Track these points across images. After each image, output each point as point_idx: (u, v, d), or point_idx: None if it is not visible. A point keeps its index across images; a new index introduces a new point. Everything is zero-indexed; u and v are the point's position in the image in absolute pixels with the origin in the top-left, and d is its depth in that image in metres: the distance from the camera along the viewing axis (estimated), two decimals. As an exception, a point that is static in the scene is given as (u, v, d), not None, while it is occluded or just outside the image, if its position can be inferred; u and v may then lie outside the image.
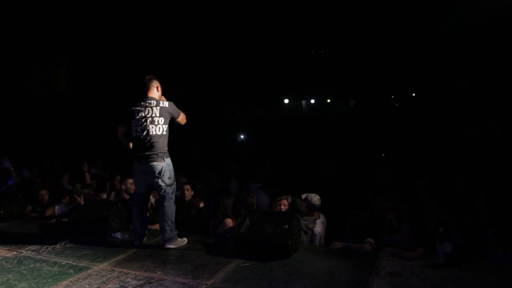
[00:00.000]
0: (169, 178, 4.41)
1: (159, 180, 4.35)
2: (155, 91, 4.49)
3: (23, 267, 4.02)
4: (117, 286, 3.54)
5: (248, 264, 3.92)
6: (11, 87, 15.00)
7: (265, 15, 16.99)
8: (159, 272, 3.79)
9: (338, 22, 17.45)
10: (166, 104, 4.45)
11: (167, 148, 4.45)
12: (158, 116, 4.36)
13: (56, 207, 6.36)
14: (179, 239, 4.55)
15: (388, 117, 19.66)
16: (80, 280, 3.67)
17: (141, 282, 3.58)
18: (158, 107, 4.38)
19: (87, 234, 4.93)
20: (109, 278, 3.71)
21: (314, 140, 14.32)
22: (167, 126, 4.44)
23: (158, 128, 4.35)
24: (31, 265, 4.07)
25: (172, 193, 4.48)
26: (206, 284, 3.52)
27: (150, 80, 4.49)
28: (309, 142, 13.98)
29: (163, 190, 4.41)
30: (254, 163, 9.50)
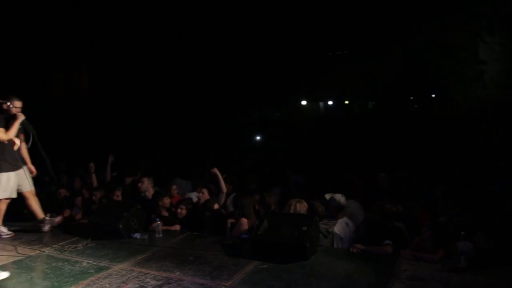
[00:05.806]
0: None
1: None
2: None
3: (45, 266, 4.12)
4: (136, 286, 3.58)
5: (266, 265, 3.92)
6: (34, 90, 15.37)
7: (282, 17, 16.98)
8: (178, 273, 3.82)
9: (356, 23, 17.32)
10: None
11: None
12: None
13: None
14: None
15: (408, 118, 19.35)
16: (100, 280, 3.73)
17: (160, 282, 3.62)
18: None
19: (107, 234, 5.00)
20: (128, 278, 3.76)
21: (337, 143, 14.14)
22: None
23: None
24: (54, 264, 4.16)
25: None
26: (225, 286, 3.53)
27: None
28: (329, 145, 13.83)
29: None
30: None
